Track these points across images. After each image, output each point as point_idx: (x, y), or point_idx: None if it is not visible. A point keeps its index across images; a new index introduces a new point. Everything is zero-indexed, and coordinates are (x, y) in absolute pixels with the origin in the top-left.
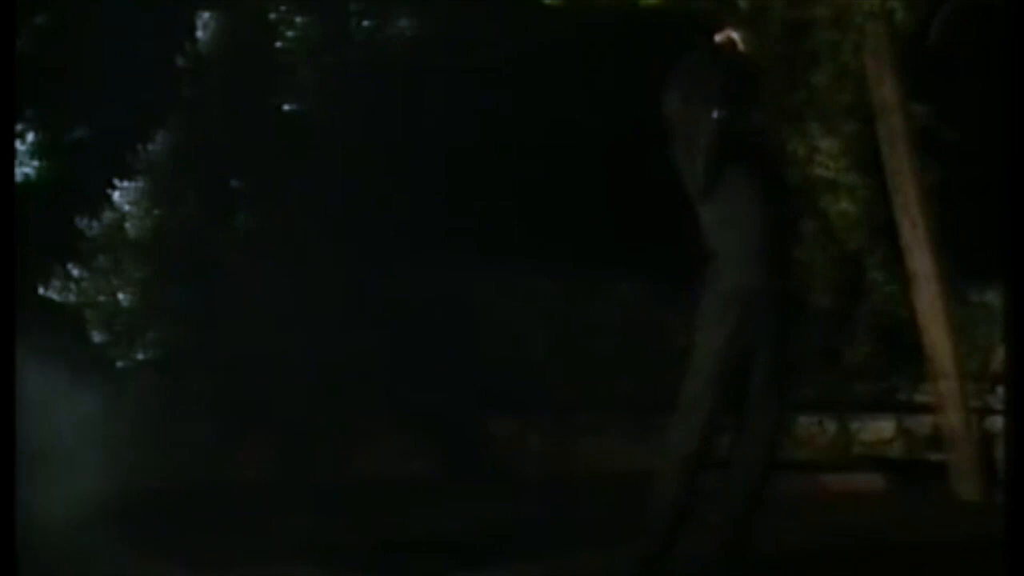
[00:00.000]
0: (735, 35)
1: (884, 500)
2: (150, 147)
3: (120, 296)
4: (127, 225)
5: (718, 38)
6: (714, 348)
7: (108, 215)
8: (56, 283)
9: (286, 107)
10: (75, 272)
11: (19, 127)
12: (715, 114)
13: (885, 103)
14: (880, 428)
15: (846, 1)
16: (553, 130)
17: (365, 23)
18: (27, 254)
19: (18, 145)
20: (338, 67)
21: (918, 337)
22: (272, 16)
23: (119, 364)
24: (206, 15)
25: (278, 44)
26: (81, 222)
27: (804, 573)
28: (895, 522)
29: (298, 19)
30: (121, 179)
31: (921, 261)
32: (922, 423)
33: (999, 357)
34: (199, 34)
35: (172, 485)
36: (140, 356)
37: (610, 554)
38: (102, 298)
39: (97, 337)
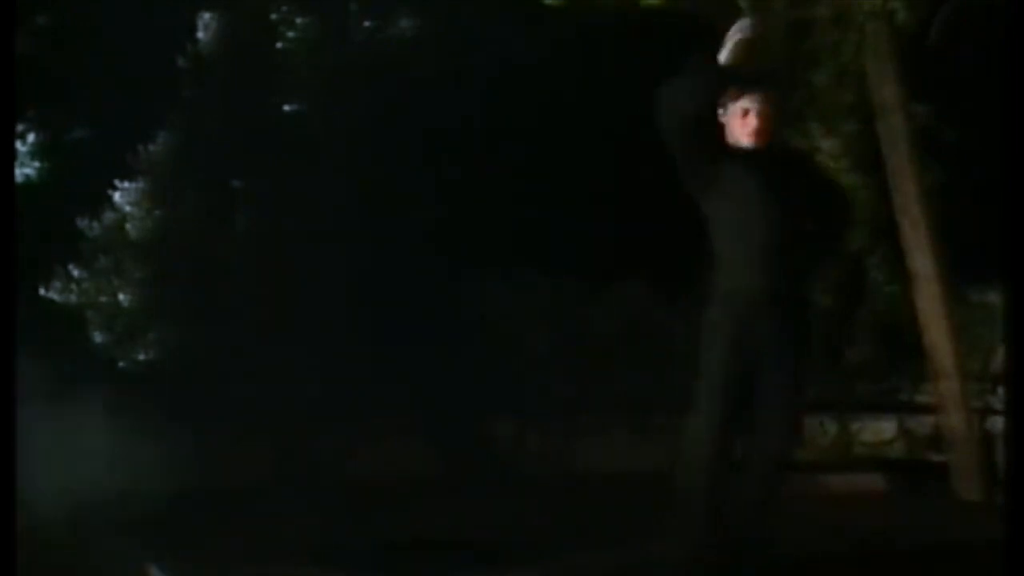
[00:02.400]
0: (746, 26)
1: (885, 500)
2: (150, 147)
3: (121, 296)
4: (128, 225)
5: (730, 37)
6: (717, 350)
7: (109, 216)
8: (57, 283)
9: (286, 107)
10: (76, 272)
11: (19, 127)
12: (717, 112)
13: (886, 103)
14: (881, 428)
15: (847, 1)
16: (555, 131)
17: (365, 23)
18: (27, 254)
19: (18, 145)
20: (338, 67)
21: (919, 337)
22: (272, 16)
23: (120, 364)
24: (206, 15)
25: (278, 44)
26: (82, 222)
27: (805, 573)
28: (896, 522)
29: (298, 19)
30: (121, 179)
31: (921, 261)
32: (923, 423)
33: (1000, 357)
34: (199, 34)
35: (172, 485)
36: (140, 356)
37: (610, 554)
38: (103, 298)
39: (98, 337)
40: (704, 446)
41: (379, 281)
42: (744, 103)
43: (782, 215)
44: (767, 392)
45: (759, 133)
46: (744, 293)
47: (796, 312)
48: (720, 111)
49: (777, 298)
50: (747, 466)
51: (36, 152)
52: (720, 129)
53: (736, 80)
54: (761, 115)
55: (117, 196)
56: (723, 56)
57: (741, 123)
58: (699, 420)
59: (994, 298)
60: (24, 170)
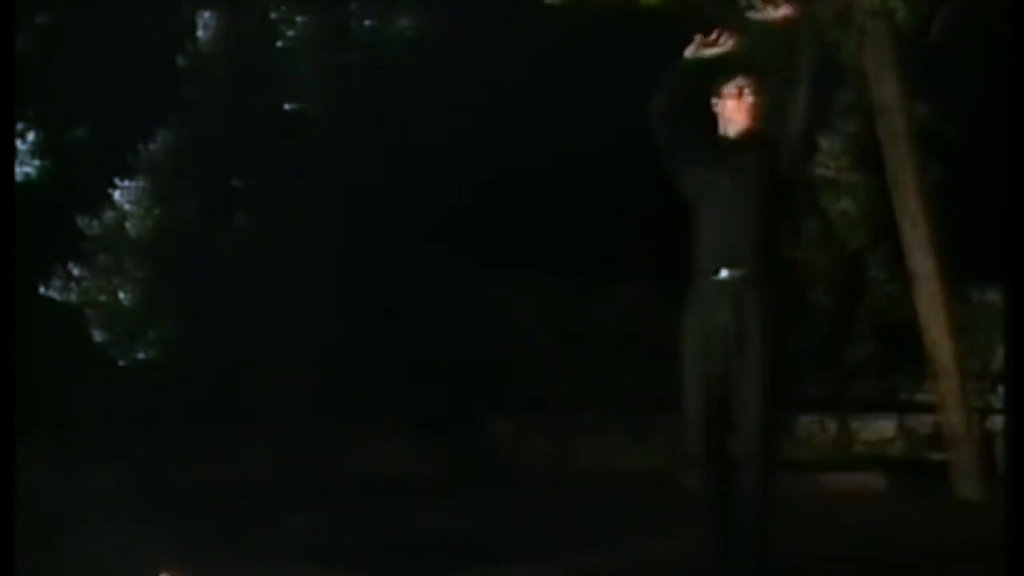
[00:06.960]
0: (724, 37)
1: (885, 499)
2: (150, 147)
3: (121, 295)
4: (128, 224)
5: (710, 40)
6: (693, 339)
7: (109, 215)
8: (57, 283)
9: (286, 107)
10: (76, 271)
11: (19, 127)
12: (701, 104)
13: (886, 102)
14: (881, 427)
15: (847, 1)
16: (554, 131)
17: (365, 23)
18: (27, 254)
19: (18, 145)
20: (338, 67)
21: (919, 336)
22: (273, 15)
23: (120, 363)
24: (207, 15)
25: (278, 44)
26: (82, 222)
27: (805, 572)
28: (896, 521)
29: (298, 19)
30: (121, 179)
31: (922, 261)
32: (923, 422)
33: (1000, 357)
34: (199, 34)
35: (172, 484)
36: (140, 355)
37: (610, 554)
38: (103, 297)
39: (98, 336)
40: (691, 442)
41: (380, 280)
42: (739, 82)
43: (759, 201)
44: (741, 387)
45: (752, 113)
46: (716, 280)
47: (771, 300)
48: (714, 100)
49: (750, 285)
50: (737, 464)
51: (36, 152)
52: (711, 120)
53: (730, 67)
54: (755, 93)
55: (117, 195)
56: (689, 52)
57: (736, 104)
58: (686, 414)
59: (994, 298)
60: (24, 169)
